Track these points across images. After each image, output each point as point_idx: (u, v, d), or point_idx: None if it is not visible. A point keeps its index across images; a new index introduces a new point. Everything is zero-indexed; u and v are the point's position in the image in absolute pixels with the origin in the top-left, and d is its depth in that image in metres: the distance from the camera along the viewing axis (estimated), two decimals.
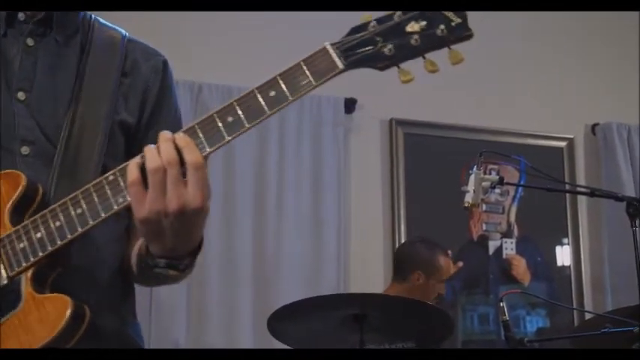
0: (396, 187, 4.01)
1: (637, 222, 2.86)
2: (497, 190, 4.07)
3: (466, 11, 1.15)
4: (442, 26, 1.13)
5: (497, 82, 4.21)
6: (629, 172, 4.30)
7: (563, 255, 4.28)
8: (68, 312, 1.14)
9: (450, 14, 1.14)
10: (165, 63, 1.45)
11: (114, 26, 1.44)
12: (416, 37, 1.14)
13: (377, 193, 4.02)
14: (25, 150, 1.28)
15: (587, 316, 3.93)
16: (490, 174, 3.85)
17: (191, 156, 1.10)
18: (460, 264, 4.04)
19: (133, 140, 1.36)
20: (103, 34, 1.40)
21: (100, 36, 1.39)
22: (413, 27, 1.14)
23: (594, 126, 4.40)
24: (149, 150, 1.11)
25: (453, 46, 1.15)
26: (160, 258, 1.20)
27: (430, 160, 4.09)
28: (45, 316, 1.15)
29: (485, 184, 2.74)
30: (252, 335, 3.52)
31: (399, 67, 1.17)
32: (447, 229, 4.02)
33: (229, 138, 1.13)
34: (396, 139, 4.04)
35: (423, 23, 1.13)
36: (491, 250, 4.14)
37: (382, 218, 3.98)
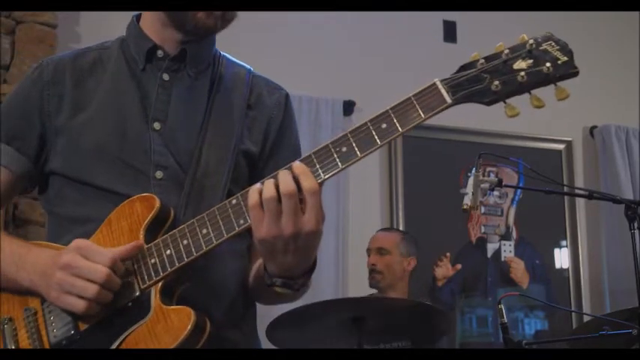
0: (395, 190, 4.02)
1: (635, 224, 2.86)
2: (495, 193, 4.07)
3: (571, 51, 1.22)
4: (548, 64, 1.20)
5: None
6: (627, 175, 4.30)
7: (562, 257, 4.28)
8: (191, 323, 1.24)
9: (557, 53, 1.20)
10: (287, 97, 1.57)
11: (241, 62, 1.56)
12: (522, 74, 1.20)
13: (375, 196, 4.03)
14: (159, 174, 1.40)
15: (586, 318, 3.93)
16: (489, 176, 3.86)
17: (307, 183, 1.19)
18: (459, 266, 4.05)
19: (255, 168, 1.47)
20: (230, 70, 1.52)
21: (228, 71, 1.52)
22: (520, 64, 1.21)
23: (592, 128, 4.41)
24: (269, 179, 1.21)
25: (558, 83, 1.22)
26: (277, 277, 1.29)
27: (429, 162, 4.10)
28: (170, 325, 1.25)
29: (484, 186, 2.74)
30: None
31: (505, 102, 1.23)
32: (445, 231, 4.03)
33: (342, 166, 1.21)
34: (394, 142, 4.04)
35: (530, 61, 1.20)
36: (489, 253, 4.14)
37: (381, 221, 3.98)
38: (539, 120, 4.25)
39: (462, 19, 4.25)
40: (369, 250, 3.40)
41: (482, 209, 4.10)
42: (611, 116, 4.39)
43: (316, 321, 2.60)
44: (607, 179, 4.29)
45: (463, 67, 1.23)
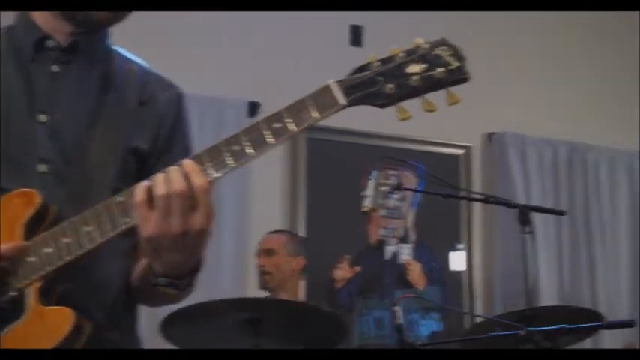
0: (297, 191, 4.03)
1: (527, 228, 2.96)
2: (395, 196, 4.13)
3: (463, 57, 1.25)
4: (441, 69, 1.22)
5: None
6: (521, 181, 4.44)
7: (458, 260, 4.38)
8: (69, 324, 1.20)
9: (450, 58, 1.23)
10: (180, 95, 1.53)
11: (135, 58, 1.52)
12: (416, 77, 1.22)
13: (277, 197, 4.03)
14: (42, 168, 1.34)
15: (479, 319, 4.04)
16: (390, 180, 3.92)
17: (197, 180, 1.18)
18: (357, 268, 4.09)
19: (145, 167, 1.42)
20: (124, 65, 1.48)
21: (121, 66, 1.47)
22: (413, 68, 1.22)
23: (490, 135, 4.53)
24: (158, 176, 1.19)
25: (450, 88, 1.24)
26: (162, 276, 1.26)
27: (331, 165, 4.12)
28: (47, 326, 1.21)
29: (384, 189, 2.79)
30: (144, 337, 3.46)
31: (397, 106, 1.24)
32: (346, 233, 4.07)
33: (235, 165, 1.21)
34: (297, 144, 4.05)
35: (423, 65, 1.22)
36: (388, 255, 4.20)
37: (281, 222, 3.98)
38: (440, 125, 4.36)
39: (369, 23, 4.30)
40: (257, 252, 3.41)
41: (383, 212, 4.15)
42: (509, 124, 4.52)
43: (212, 320, 2.58)
44: (503, 185, 4.41)
45: (359, 69, 1.24)
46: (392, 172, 3.92)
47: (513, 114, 4.58)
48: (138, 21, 1.42)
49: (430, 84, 1.23)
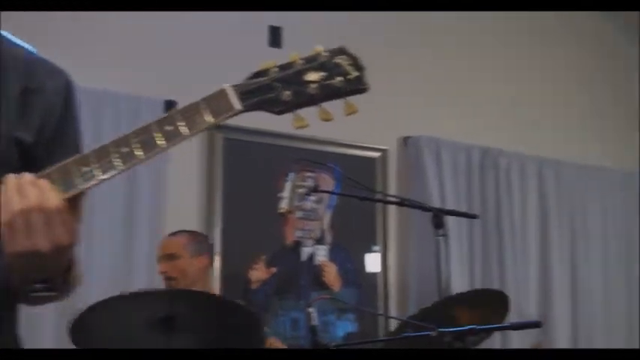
0: (213, 192, 3.99)
1: (440, 231, 3.01)
2: (313, 198, 4.15)
3: (363, 66, 1.25)
4: (340, 78, 1.22)
5: None
6: (436, 184, 4.51)
7: (373, 262, 4.43)
8: None
9: (349, 67, 1.23)
10: (69, 83, 1.43)
11: (22, 43, 1.43)
12: (314, 86, 1.21)
13: (193, 197, 3.98)
14: None
15: (393, 320, 4.09)
16: (307, 181, 3.93)
17: (50, 199, 1.12)
18: (273, 269, 4.09)
19: (31, 158, 1.33)
20: (8, 49, 1.38)
21: (5, 50, 1.37)
22: (312, 76, 1.21)
23: (406, 139, 4.59)
24: (13, 192, 1.11)
25: (348, 98, 1.24)
26: (34, 284, 1.22)
27: (248, 165, 4.10)
28: None
29: (301, 190, 2.79)
30: (54, 339, 3.38)
31: (294, 113, 1.23)
32: (262, 234, 4.06)
33: (124, 167, 1.17)
34: (214, 144, 4.02)
35: (322, 74, 1.21)
36: (304, 256, 4.21)
37: (197, 222, 3.94)
38: (357, 128, 4.40)
39: (288, 24, 4.30)
40: (158, 258, 3.31)
41: (300, 213, 4.16)
42: (424, 127, 4.59)
43: (123, 315, 2.52)
44: (418, 187, 4.48)
45: (257, 74, 1.23)
46: (309, 173, 3.93)
47: (429, 118, 4.66)
48: (55, 19, 1.38)
49: (328, 93, 1.23)
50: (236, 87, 1.21)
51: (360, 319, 4.30)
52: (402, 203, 3.18)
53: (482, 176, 4.72)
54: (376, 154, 4.51)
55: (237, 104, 1.20)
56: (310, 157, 3.48)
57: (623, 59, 5.66)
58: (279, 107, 1.22)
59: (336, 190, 4.11)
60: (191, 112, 1.19)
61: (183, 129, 1.18)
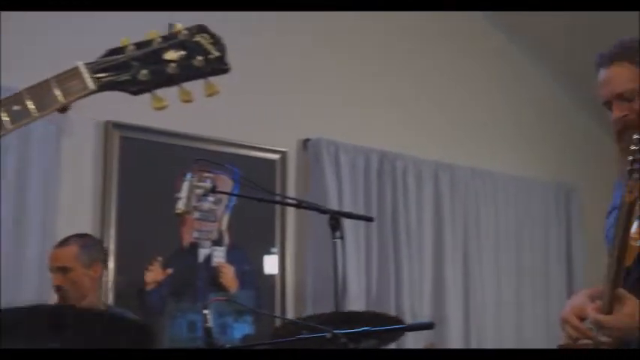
0: (109, 191, 3.90)
1: (337, 234, 3.04)
2: (211, 199, 4.12)
3: (224, 46, 1.17)
4: (200, 57, 1.15)
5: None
6: (334, 187, 4.55)
7: (271, 264, 4.43)
8: None
9: (210, 47, 1.16)
10: None
11: None
12: (173, 65, 1.15)
13: (88, 197, 3.88)
14: None
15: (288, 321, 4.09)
16: (205, 182, 3.89)
17: None
18: (169, 271, 4.03)
19: None
20: None
21: None
22: (171, 55, 1.15)
23: (306, 141, 4.61)
24: None
25: (209, 78, 1.17)
26: None
27: (146, 165, 4.04)
28: None
29: (198, 191, 2.76)
30: None
31: (153, 93, 1.17)
32: (159, 235, 4.00)
33: None
34: (111, 142, 3.94)
35: (182, 53, 1.15)
36: (201, 258, 4.17)
37: (92, 222, 3.85)
38: (257, 130, 4.41)
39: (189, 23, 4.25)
40: (50, 269, 3.19)
41: (197, 214, 4.12)
42: (324, 130, 4.62)
43: (11, 327, 2.43)
44: (317, 190, 4.50)
45: (111, 52, 1.17)
46: (207, 174, 3.89)
47: (328, 121, 4.69)
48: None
49: (188, 73, 1.18)
50: (90, 65, 1.15)
51: (257, 321, 4.29)
52: (299, 205, 3.19)
53: (379, 179, 4.79)
54: (275, 156, 4.51)
55: (90, 83, 1.14)
56: (209, 158, 3.44)
57: (520, 69, 5.85)
58: (136, 87, 1.17)
59: (235, 192, 4.09)
60: (41, 91, 1.12)
61: (33, 109, 1.11)
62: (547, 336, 5.20)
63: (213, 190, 2.83)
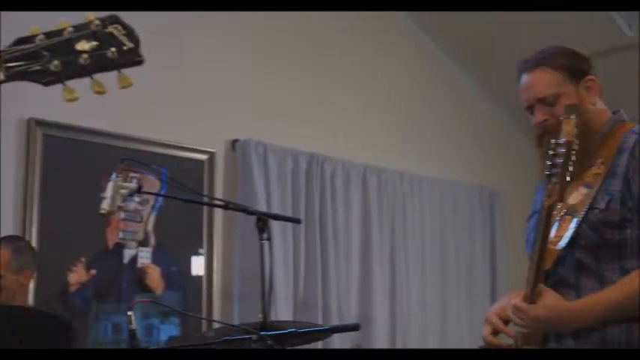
0: (31, 190, 3.81)
1: (265, 235, 3.03)
2: (137, 199, 4.06)
3: (138, 38, 1.14)
4: (113, 49, 1.12)
5: (143, 91, 4.18)
6: (262, 188, 4.54)
7: (198, 265, 4.39)
8: None
9: (123, 38, 1.13)
10: None
11: None
12: (85, 56, 1.12)
13: (9, 195, 3.78)
14: None
15: (217, 324, 4.07)
16: (131, 182, 3.83)
17: None
18: (93, 272, 3.96)
19: None
20: None
21: None
22: (83, 46, 1.12)
23: (234, 142, 4.58)
24: None
25: (122, 70, 1.14)
26: None
27: (70, 164, 3.96)
28: None
29: (123, 191, 2.72)
30: None
31: (64, 84, 1.14)
32: (82, 235, 3.93)
33: None
34: (33, 140, 3.85)
35: (94, 43, 1.12)
36: (126, 259, 4.11)
37: (13, 222, 3.75)
38: (185, 130, 4.37)
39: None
40: None
41: (122, 215, 4.06)
42: (252, 131, 4.60)
43: None
44: (245, 191, 4.49)
45: (20, 41, 1.13)
46: (133, 174, 3.84)
47: (257, 122, 4.68)
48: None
49: (100, 64, 1.15)
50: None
51: (184, 323, 4.25)
52: (226, 206, 3.17)
53: (308, 181, 4.80)
54: (203, 157, 4.47)
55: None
56: (136, 158, 3.40)
57: (447, 74, 5.94)
58: (47, 78, 1.13)
59: (162, 192, 4.04)
60: None
61: None
62: (470, 336, 5.30)
63: (139, 191, 2.78)
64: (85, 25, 1.13)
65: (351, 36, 5.30)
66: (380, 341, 4.97)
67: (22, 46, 1.11)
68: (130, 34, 1.14)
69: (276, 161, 4.66)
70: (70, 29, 1.13)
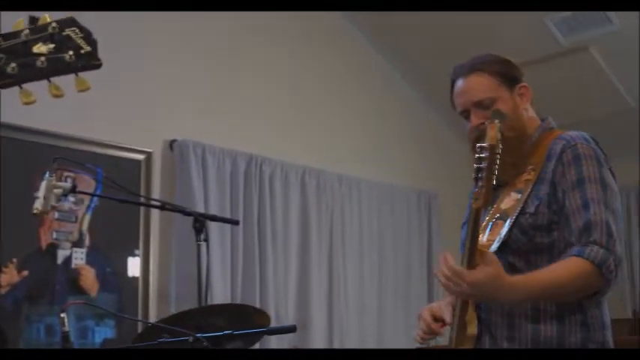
0: None
1: (202, 236, 3.02)
2: (71, 199, 3.99)
3: (95, 41, 1.12)
4: (71, 52, 1.11)
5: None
6: (201, 189, 4.51)
7: (134, 266, 4.34)
8: None
9: (80, 41, 1.11)
10: None
11: None
12: (42, 59, 1.10)
13: None
14: None
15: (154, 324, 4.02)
16: (66, 182, 3.77)
17: None
18: (25, 273, 3.88)
19: None
20: None
21: None
22: (40, 48, 1.11)
23: (172, 142, 4.54)
24: None
25: (80, 73, 1.10)
26: None
27: (2, 162, 3.86)
28: None
29: (57, 191, 2.67)
30: None
31: (21, 87, 1.12)
32: (14, 236, 3.83)
33: None
34: None
35: (51, 46, 1.11)
36: (60, 260, 4.03)
37: None
38: (122, 129, 4.31)
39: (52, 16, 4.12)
40: None
41: (56, 214, 3.99)
42: (191, 132, 4.57)
43: None
44: (183, 192, 4.45)
45: None
46: (68, 173, 3.78)
47: (196, 123, 4.65)
48: None
49: (58, 67, 1.14)
50: None
51: (119, 325, 4.19)
52: (163, 207, 3.14)
53: (246, 182, 4.78)
54: (140, 157, 4.42)
55: None
56: (70, 157, 3.35)
57: (387, 79, 5.99)
58: (3, 80, 1.13)
59: (97, 192, 3.98)
60: None
61: None
62: (407, 339, 5.34)
63: (73, 190, 2.74)
64: (43, 28, 1.11)
65: (289, 37, 5.31)
66: (317, 343, 4.98)
67: None
68: (88, 37, 1.13)
69: (215, 162, 4.63)
70: (27, 31, 1.11)
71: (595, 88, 5.71)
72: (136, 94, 4.42)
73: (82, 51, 1.13)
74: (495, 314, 2.14)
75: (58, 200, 3.24)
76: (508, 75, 2.24)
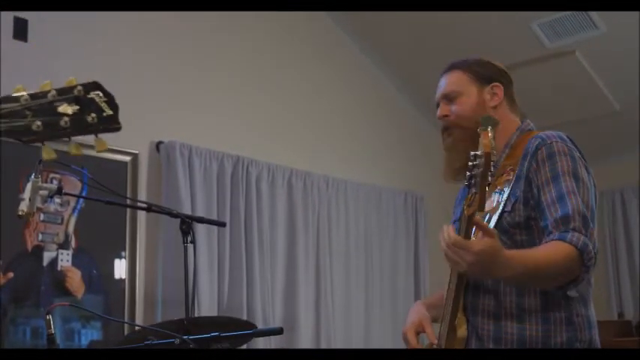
0: None
1: (189, 238, 3.02)
2: (57, 200, 3.98)
3: (117, 105, 1.22)
4: (93, 114, 1.16)
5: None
6: (187, 191, 4.50)
7: (120, 268, 4.32)
8: None
9: (103, 105, 1.18)
10: None
11: None
12: (66, 119, 1.16)
13: None
14: None
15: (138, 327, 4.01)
16: (51, 183, 3.76)
17: None
18: (11, 275, 3.86)
19: None
20: None
21: None
22: (65, 109, 1.16)
23: (159, 144, 4.53)
24: None
25: (100, 135, 1.14)
26: None
27: None
28: None
29: (43, 192, 2.66)
30: None
31: (43, 144, 1.18)
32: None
33: None
34: None
35: (76, 107, 1.17)
36: (45, 261, 4.02)
37: None
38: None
39: (35, 17, 4.10)
40: None
41: (42, 216, 3.97)
42: (177, 133, 4.56)
43: None
44: (169, 194, 4.44)
45: (5, 100, 1.16)
46: (53, 175, 3.76)
47: (182, 124, 4.64)
48: None
49: (80, 128, 1.20)
50: None
51: (105, 327, 4.18)
52: (149, 209, 3.13)
53: (233, 184, 4.78)
54: (126, 158, 4.41)
55: None
56: (57, 159, 3.33)
57: (372, 80, 6.00)
58: (28, 136, 1.17)
59: (83, 194, 3.96)
60: None
61: None
62: (394, 340, 5.35)
63: (59, 192, 2.73)
64: (68, 90, 1.14)
65: (274, 39, 5.31)
66: (304, 344, 4.98)
67: (7, 105, 1.13)
68: (111, 101, 1.19)
69: (202, 164, 4.62)
70: (54, 92, 1.16)
71: (580, 91, 5.74)
72: (123, 96, 4.39)
73: (104, 114, 1.22)
74: (482, 315, 2.15)
75: (44, 202, 3.23)
76: (481, 73, 2.32)
